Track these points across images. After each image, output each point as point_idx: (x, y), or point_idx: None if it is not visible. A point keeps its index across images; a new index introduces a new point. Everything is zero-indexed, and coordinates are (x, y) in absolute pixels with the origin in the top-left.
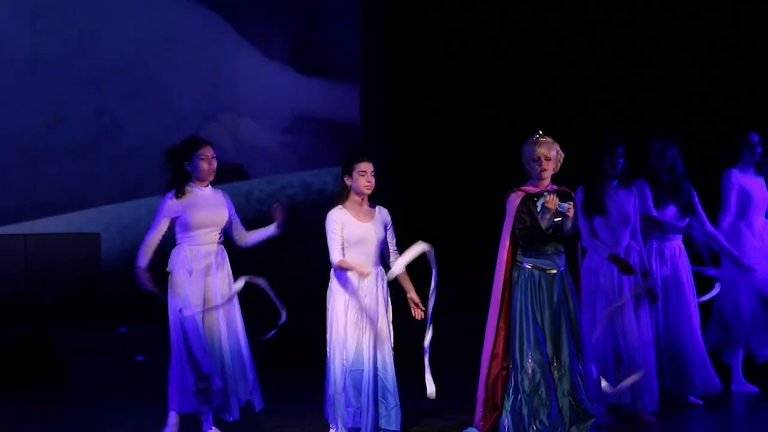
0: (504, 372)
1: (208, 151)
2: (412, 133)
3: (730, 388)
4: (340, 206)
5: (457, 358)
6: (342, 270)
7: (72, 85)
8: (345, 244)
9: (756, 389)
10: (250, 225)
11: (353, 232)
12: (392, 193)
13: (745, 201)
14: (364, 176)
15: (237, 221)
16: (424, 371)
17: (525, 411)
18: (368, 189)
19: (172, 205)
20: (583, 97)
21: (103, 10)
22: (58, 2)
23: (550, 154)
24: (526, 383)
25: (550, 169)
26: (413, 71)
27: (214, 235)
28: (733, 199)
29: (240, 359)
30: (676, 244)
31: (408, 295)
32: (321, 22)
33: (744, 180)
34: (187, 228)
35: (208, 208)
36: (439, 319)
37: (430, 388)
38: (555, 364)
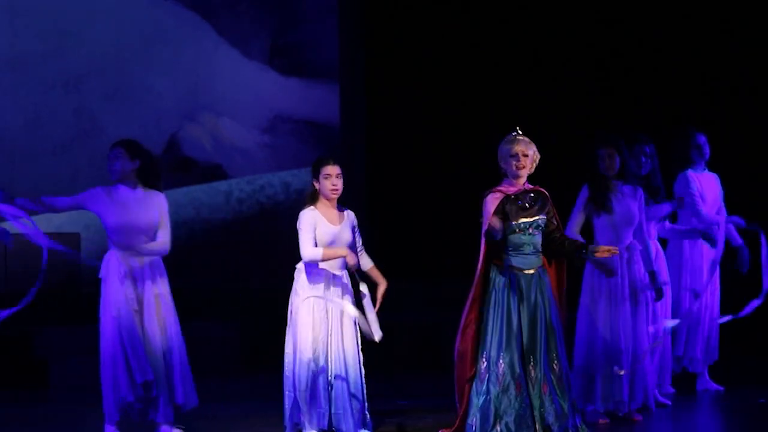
0: (475, 371)
1: (114, 151)
2: (391, 133)
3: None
4: (312, 207)
5: (434, 358)
6: (324, 260)
7: (51, 84)
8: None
9: (722, 388)
10: (230, 225)
11: (325, 233)
12: (371, 192)
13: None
14: (328, 179)
15: (164, 226)
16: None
17: (491, 411)
18: (334, 193)
19: (94, 190)
20: (564, 99)
21: (82, 9)
22: (37, 1)
23: (528, 151)
24: (496, 383)
25: (527, 167)
26: (392, 71)
27: (140, 240)
28: (698, 199)
29: (171, 361)
30: (653, 243)
31: (378, 289)
32: (300, 22)
33: (698, 181)
34: (108, 230)
35: (127, 212)
36: (420, 319)
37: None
38: (530, 365)
